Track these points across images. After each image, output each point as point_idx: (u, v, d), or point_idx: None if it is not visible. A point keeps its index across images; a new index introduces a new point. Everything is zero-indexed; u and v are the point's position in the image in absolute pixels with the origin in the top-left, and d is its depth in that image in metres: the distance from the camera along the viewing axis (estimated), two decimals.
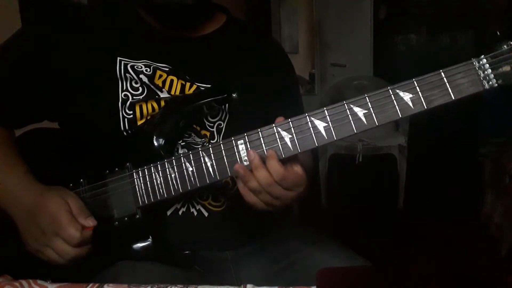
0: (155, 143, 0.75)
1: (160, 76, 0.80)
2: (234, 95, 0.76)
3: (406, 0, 4.14)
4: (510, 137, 2.34)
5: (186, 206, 0.80)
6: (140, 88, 0.79)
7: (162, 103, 0.79)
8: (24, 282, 0.60)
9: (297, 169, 0.67)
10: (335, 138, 0.64)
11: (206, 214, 0.81)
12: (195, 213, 0.80)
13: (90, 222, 0.70)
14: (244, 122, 0.68)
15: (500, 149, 2.33)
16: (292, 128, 0.65)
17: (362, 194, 3.14)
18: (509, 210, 2.09)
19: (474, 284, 0.56)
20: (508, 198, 2.11)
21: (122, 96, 0.78)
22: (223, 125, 0.82)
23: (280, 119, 0.66)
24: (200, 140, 0.81)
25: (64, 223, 0.68)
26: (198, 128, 0.81)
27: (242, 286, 0.56)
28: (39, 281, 0.60)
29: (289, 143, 0.65)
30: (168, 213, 0.79)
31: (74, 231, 0.68)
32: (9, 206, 0.73)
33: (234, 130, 0.69)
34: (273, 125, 0.66)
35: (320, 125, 0.64)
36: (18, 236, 0.74)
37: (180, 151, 0.78)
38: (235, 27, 0.91)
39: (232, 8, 0.93)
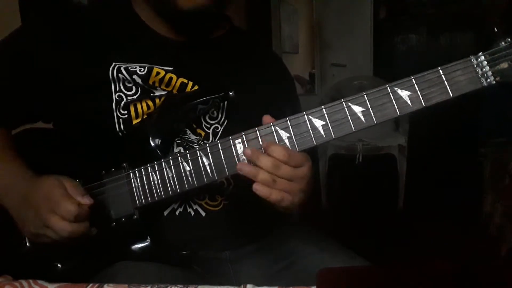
0: (152, 143, 0.74)
1: (158, 73, 0.79)
2: (231, 93, 0.75)
3: (406, 0, 4.15)
4: (510, 137, 2.34)
5: (183, 206, 0.80)
6: (134, 88, 0.78)
7: (157, 101, 0.79)
8: (24, 282, 0.60)
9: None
10: (334, 137, 0.64)
11: (203, 214, 0.80)
12: (192, 213, 0.80)
13: (87, 200, 0.70)
14: (241, 128, 0.68)
15: (500, 149, 2.33)
16: (290, 127, 0.65)
17: (362, 194, 3.14)
18: (509, 210, 2.09)
19: (474, 284, 0.56)
20: (508, 198, 2.11)
21: (116, 97, 0.77)
22: (220, 129, 0.82)
23: (266, 118, 0.66)
24: (196, 137, 0.80)
25: (58, 199, 0.68)
26: (194, 126, 0.81)
27: (242, 286, 0.56)
28: (39, 281, 0.60)
29: (287, 142, 0.65)
30: (165, 213, 0.79)
31: (70, 205, 0.67)
32: (3, 196, 0.73)
33: (230, 135, 0.68)
34: (271, 124, 0.66)
35: (318, 123, 0.64)
36: (17, 236, 0.74)
37: (176, 148, 0.78)
38: (237, 35, 0.92)
39: (232, 9, 0.93)
